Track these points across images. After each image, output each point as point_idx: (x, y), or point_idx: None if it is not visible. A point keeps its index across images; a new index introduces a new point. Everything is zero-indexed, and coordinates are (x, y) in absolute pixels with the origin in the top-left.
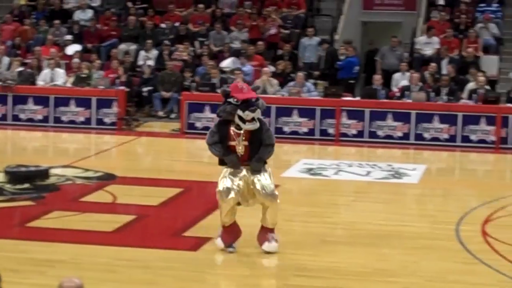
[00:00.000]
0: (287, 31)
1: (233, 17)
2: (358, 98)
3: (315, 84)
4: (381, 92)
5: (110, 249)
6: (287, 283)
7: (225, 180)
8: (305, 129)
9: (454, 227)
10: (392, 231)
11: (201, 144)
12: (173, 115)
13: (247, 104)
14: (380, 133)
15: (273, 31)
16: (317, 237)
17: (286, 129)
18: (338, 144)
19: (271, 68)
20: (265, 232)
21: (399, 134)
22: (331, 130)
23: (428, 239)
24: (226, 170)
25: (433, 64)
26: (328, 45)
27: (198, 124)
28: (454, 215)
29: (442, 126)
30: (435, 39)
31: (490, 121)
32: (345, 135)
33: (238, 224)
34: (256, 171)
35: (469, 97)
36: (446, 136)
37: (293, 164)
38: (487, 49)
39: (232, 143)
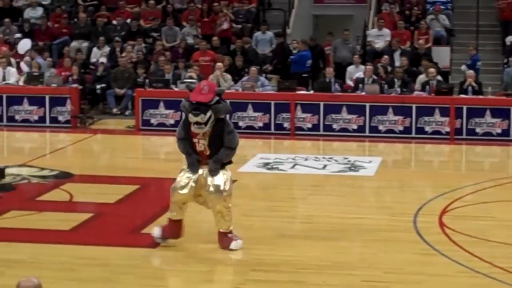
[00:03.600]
0: (239, 26)
1: (185, 12)
2: (312, 92)
3: (268, 78)
4: (334, 85)
5: (68, 248)
6: (246, 278)
7: (182, 177)
8: (260, 124)
9: (411, 218)
10: (350, 224)
11: (156, 141)
12: (127, 112)
13: (195, 107)
14: (335, 126)
15: (225, 26)
16: (275, 232)
17: (241, 124)
18: (293, 138)
19: (226, 63)
20: (224, 236)
21: (354, 126)
22: (286, 124)
23: (386, 231)
24: (185, 168)
25: (385, 57)
26: (280, 39)
27: (153, 121)
28: (411, 207)
29: (396, 118)
30: (387, 32)
31: (444, 112)
32: (300, 128)
33: (184, 227)
34: (213, 171)
35: (422, 89)
36: (400, 128)
37: (249, 159)
38: (438, 41)
39: (194, 139)
